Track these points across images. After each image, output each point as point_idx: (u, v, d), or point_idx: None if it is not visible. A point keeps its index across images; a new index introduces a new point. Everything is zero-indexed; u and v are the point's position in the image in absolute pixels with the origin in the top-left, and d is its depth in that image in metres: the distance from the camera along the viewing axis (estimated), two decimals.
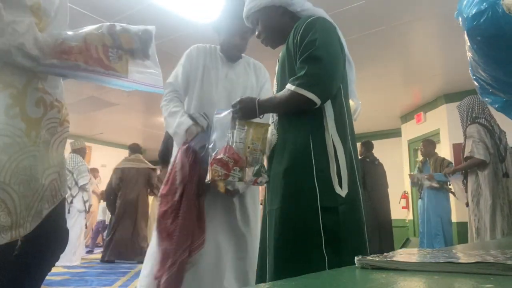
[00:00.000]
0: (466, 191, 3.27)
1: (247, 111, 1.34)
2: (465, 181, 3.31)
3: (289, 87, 1.19)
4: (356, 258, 0.59)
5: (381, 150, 6.08)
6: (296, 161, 1.19)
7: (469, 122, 3.24)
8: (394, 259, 0.57)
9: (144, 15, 3.56)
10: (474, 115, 3.26)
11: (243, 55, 1.92)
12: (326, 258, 1.09)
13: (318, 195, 1.12)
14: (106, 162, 9.37)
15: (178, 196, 1.51)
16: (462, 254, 0.60)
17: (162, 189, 1.58)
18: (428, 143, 4.86)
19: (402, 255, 0.63)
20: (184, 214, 1.48)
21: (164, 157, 3.99)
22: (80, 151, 5.21)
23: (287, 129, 1.26)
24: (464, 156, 3.18)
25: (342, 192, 1.14)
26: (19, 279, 1.22)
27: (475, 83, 1.97)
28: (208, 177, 1.29)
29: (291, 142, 1.22)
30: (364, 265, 0.57)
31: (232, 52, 1.83)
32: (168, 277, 1.43)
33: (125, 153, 6.89)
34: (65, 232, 1.34)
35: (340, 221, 1.12)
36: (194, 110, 1.76)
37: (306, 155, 1.17)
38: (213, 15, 3.47)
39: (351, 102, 1.38)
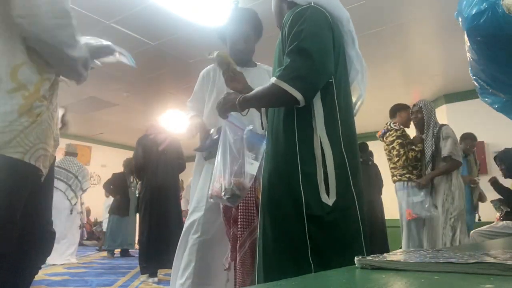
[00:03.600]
0: (432, 192, 3.22)
1: (227, 104, 1.32)
2: (436, 181, 3.23)
3: (272, 79, 1.10)
4: (356, 258, 0.59)
5: (381, 150, 6.07)
6: (281, 164, 1.12)
7: (436, 125, 3.26)
8: (394, 259, 0.57)
9: (144, 15, 3.56)
10: (436, 120, 3.32)
11: (258, 63, 2.00)
12: (313, 266, 1.03)
13: (303, 202, 1.05)
14: (106, 162, 9.37)
15: None
16: (462, 254, 0.60)
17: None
18: (464, 137, 4.12)
19: (402, 255, 0.63)
20: (245, 201, 1.58)
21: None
22: (74, 155, 5.38)
23: (275, 129, 1.20)
24: (444, 156, 3.12)
25: (329, 200, 1.05)
26: (6, 280, 1.23)
27: (475, 83, 1.97)
28: (209, 196, 1.48)
29: (277, 143, 1.16)
30: (364, 265, 0.57)
31: (239, 56, 1.90)
32: (241, 257, 1.55)
33: (125, 153, 6.91)
34: (51, 235, 1.37)
35: (326, 231, 1.05)
36: (211, 120, 1.86)
37: (292, 158, 1.09)
38: (212, 15, 3.48)
39: (353, 89, 1.29)
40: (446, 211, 3.08)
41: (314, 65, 1.07)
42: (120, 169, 6.57)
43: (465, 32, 1.63)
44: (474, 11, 1.52)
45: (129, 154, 7.00)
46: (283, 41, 1.18)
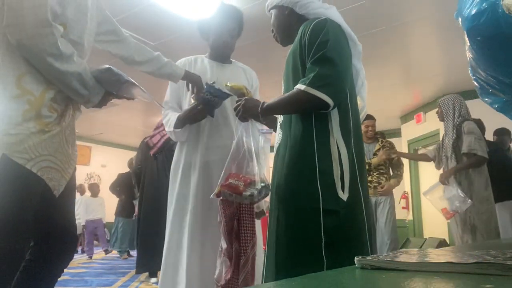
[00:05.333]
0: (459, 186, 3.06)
1: (248, 111, 1.37)
2: (455, 176, 3.10)
3: (299, 86, 1.17)
4: (356, 258, 0.59)
5: None
6: (299, 165, 1.19)
7: (460, 118, 3.14)
8: (394, 259, 0.57)
9: (144, 15, 3.56)
10: (462, 113, 3.18)
11: (233, 60, 1.98)
12: (325, 261, 1.09)
13: (320, 197, 1.12)
14: (106, 162, 9.37)
15: None
16: (462, 254, 0.60)
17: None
18: (502, 133, 3.99)
19: (402, 255, 0.63)
20: (246, 214, 1.56)
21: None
22: None
23: (292, 130, 1.25)
24: (465, 152, 3.03)
25: (344, 196, 1.14)
26: (30, 282, 1.28)
27: (475, 83, 1.97)
28: (215, 192, 1.43)
29: (295, 146, 1.22)
30: (364, 265, 0.57)
31: (221, 51, 1.89)
32: (246, 274, 1.51)
33: (125, 153, 6.88)
34: (75, 238, 1.41)
35: (340, 225, 1.12)
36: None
37: (310, 157, 1.16)
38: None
39: (358, 101, 1.37)
40: (465, 212, 2.95)
41: (340, 73, 1.17)
42: (120, 169, 6.56)
43: (465, 32, 1.63)
44: (474, 11, 1.52)
45: (129, 154, 7.03)
46: (301, 49, 1.24)
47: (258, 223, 1.73)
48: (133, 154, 6.48)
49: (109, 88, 1.35)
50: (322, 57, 1.16)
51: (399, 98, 6.01)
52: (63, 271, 1.40)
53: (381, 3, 3.33)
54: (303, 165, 1.18)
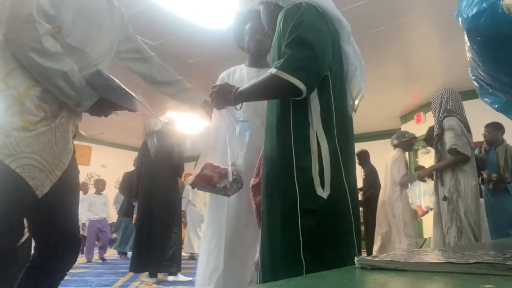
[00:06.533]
0: (442, 185, 2.98)
1: (221, 97, 1.30)
2: (438, 175, 3.03)
3: (271, 70, 1.08)
4: (356, 258, 0.59)
5: (381, 150, 6.07)
6: (277, 160, 1.12)
7: (445, 114, 3.01)
8: (394, 259, 0.57)
9: (144, 15, 3.56)
10: (449, 108, 3.02)
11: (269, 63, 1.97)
12: (304, 263, 1.01)
13: (298, 196, 1.05)
14: (106, 162, 9.38)
15: None
16: (462, 254, 0.60)
17: (254, 180, 1.57)
18: (495, 127, 3.91)
19: (402, 255, 0.63)
20: None
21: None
22: None
23: (270, 124, 1.19)
24: (447, 149, 2.91)
25: (324, 193, 1.05)
26: (31, 283, 1.27)
27: (475, 83, 1.97)
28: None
29: (272, 139, 1.15)
30: (364, 265, 0.57)
31: (257, 51, 1.90)
32: None
33: (125, 153, 6.86)
34: (78, 241, 1.40)
35: (321, 225, 1.04)
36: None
37: (287, 152, 1.09)
38: (212, 16, 3.48)
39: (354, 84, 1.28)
40: (452, 210, 2.86)
41: (316, 56, 1.06)
42: (120, 169, 6.52)
43: (465, 32, 1.63)
44: (474, 11, 1.52)
45: (129, 154, 7.02)
46: (279, 38, 1.17)
47: None
48: (133, 154, 6.48)
49: (103, 94, 1.31)
50: (296, 39, 1.07)
51: (399, 98, 6.01)
52: (66, 274, 1.38)
53: (381, 3, 3.33)
54: (281, 161, 1.10)
